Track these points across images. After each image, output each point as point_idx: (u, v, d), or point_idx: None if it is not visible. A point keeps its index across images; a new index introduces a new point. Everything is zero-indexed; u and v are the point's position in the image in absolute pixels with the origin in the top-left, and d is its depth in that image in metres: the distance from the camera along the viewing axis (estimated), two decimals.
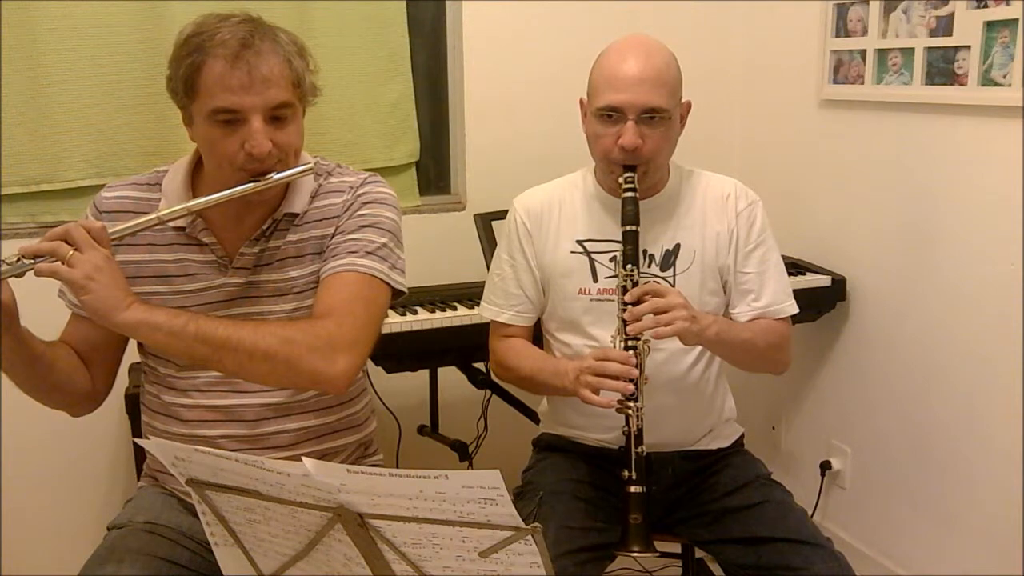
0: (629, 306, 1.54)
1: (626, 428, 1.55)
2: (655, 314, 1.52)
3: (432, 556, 1.03)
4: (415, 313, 2.19)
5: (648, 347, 1.56)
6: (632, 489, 1.53)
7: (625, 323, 1.55)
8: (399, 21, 2.44)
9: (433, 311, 2.20)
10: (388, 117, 2.47)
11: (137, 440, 1.14)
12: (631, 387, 1.51)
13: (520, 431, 1.96)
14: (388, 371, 2.18)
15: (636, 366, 1.52)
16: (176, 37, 1.39)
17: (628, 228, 1.61)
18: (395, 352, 2.12)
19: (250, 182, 1.38)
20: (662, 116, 1.61)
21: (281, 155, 1.38)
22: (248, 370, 1.36)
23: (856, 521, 2.56)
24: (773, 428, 2.85)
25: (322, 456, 1.53)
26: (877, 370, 2.44)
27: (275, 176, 1.39)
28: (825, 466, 2.60)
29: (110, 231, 1.32)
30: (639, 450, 1.54)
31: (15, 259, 1.26)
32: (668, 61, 1.64)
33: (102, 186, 2.18)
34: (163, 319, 1.31)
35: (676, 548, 1.88)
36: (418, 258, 2.40)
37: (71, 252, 1.26)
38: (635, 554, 1.52)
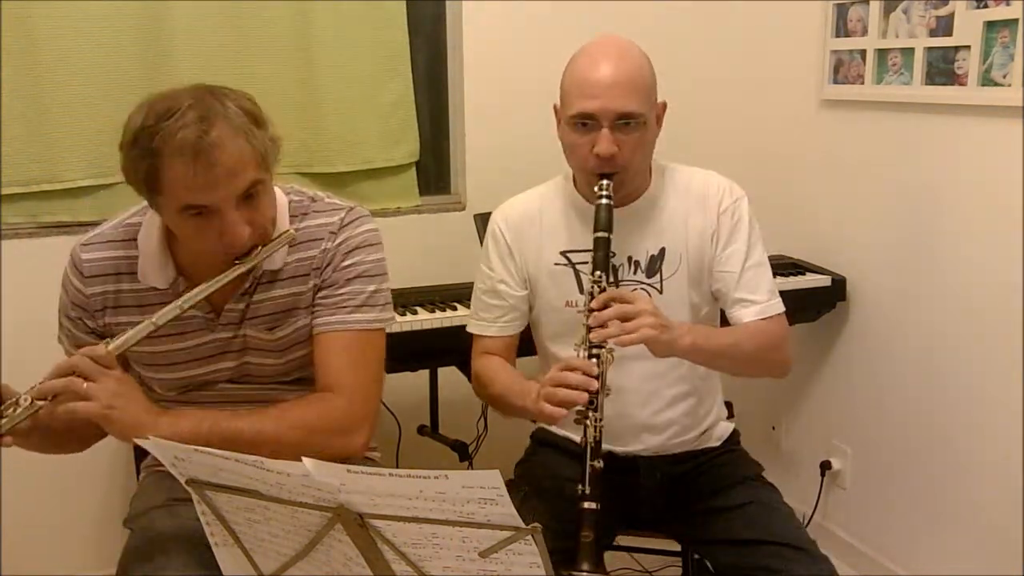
0: (595, 312, 1.49)
1: (583, 439, 1.48)
2: (621, 321, 1.47)
3: (432, 556, 1.03)
4: (415, 313, 2.19)
5: (612, 356, 1.50)
6: (585, 505, 1.45)
7: (589, 330, 1.49)
8: (399, 21, 2.43)
9: (433, 311, 2.20)
10: (388, 117, 2.47)
11: (137, 440, 1.14)
12: (585, 396, 1.44)
13: (520, 431, 1.96)
14: (388, 371, 2.17)
15: (598, 376, 1.45)
16: (125, 123, 1.30)
17: (599, 234, 1.56)
18: (395, 352, 2.11)
19: (235, 263, 1.36)
20: (637, 121, 1.56)
21: (259, 231, 1.35)
22: (276, 459, 1.38)
23: (856, 521, 2.56)
24: (773, 428, 2.85)
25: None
26: (877, 370, 2.44)
27: (259, 253, 1.37)
28: (825, 466, 2.60)
29: (110, 348, 1.31)
30: (595, 463, 1.47)
31: (28, 401, 1.25)
32: (640, 63, 1.59)
33: (102, 186, 2.24)
34: (189, 429, 1.30)
35: (676, 548, 1.89)
36: (418, 258, 2.43)
37: (85, 384, 1.26)
38: (584, 573, 1.43)
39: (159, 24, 2.20)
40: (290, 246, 1.45)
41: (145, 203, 1.44)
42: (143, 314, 1.42)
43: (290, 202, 1.48)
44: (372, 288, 1.47)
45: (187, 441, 1.26)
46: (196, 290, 1.36)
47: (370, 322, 1.46)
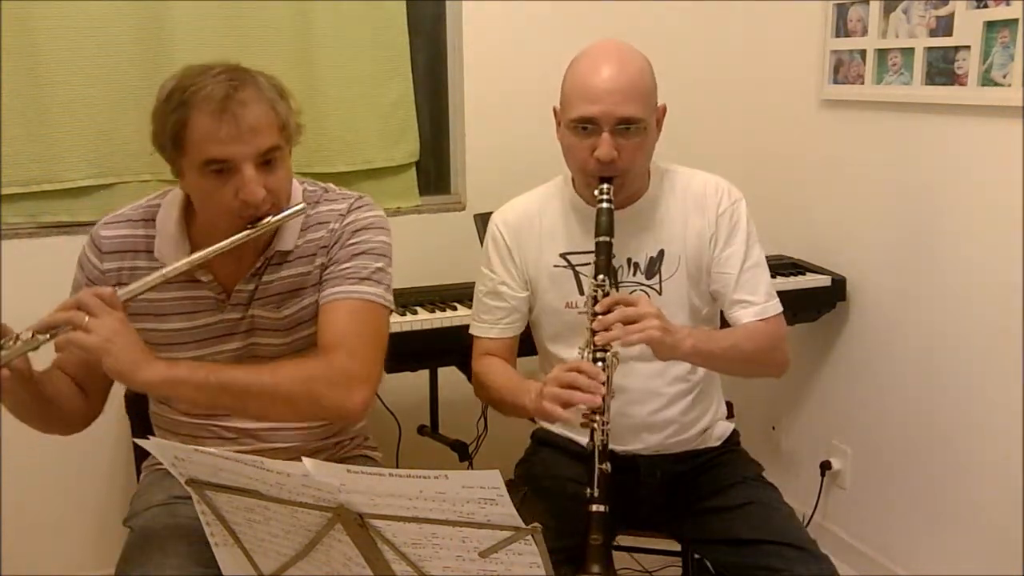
0: (599, 316, 1.49)
1: (591, 443, 1.47)
2: (624, 324, 1.47)
3: (432, 556, 1.03)
4: (415, 313, 2.19)
5: (617, 360, 1.51)
6: (593, 508, 1.43)
7: (594, 333, 1.49)
8: (399, 21, 2.44)
9: (433, 311, 2.20)
10: (388, 117, 2.47)
11: (137, 440, 1.15)
12: (598, 400, 1.44)
13: (520, 430, 1.96)
14: (388, 371, 2.16)
15: (604, 382, 1.45)
16: (158, 92, 1.38)
17: (601, 239, 1.57)
18: (395, 352, 2.11)
19: (247, 228, 1.39)
20: (637, 126, 1.57)
21: (274, 199, 1.40)
22: (271, 413, 1.40)
23: (856, 521, 2.56)
24: (773, 428, 2.85)
25: (315, 451, 1.57)
26: (877, 370, 2.44)
27: (271, 220, 1.40)
28: (825, 466, 2.61)
29: (119, 293, 1.33)
30: (603, 467, 1.46)
31: (30, 335, 1.26)
32: (642, 68, 1.60)
33: (102, 186, 2.24)
34: (185, 373, 1.33)
35: (676, 548, 1.89)
36: (418, 258, 2.43)
37: (86, 318, 1.27)
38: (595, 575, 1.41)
39: (159, 24, 2.20)
40: (302, 229, 1.50)
41: (163, 190, 1.52)
42: (158, 293, 1.46)
43: (304, 190, 1.53)
44: (377, 265, 1.50)
45: (183, 384, 1.32)
46: (207, 250, 1.39)
47: (375, 295, 1.48)
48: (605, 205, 1.58)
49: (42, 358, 1.42)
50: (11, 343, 1.26)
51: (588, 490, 1.46)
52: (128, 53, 2.19)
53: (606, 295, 1.53)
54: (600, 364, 1.48)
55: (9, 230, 2.19)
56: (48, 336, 1.27)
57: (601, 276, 1.55)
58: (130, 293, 1.35)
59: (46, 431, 1.46)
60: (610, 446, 1.59)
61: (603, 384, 1.46)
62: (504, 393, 1.66)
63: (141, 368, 1.29)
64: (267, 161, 1.37)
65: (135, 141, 2.25)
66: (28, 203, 2.20)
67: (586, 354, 1.52)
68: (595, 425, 1.46)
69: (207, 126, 1.32)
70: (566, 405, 1.45)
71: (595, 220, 1.58)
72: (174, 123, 1.34)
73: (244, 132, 1.33)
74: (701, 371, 1.74)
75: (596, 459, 1.46)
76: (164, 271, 1.37)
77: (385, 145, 2.48)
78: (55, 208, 2.23)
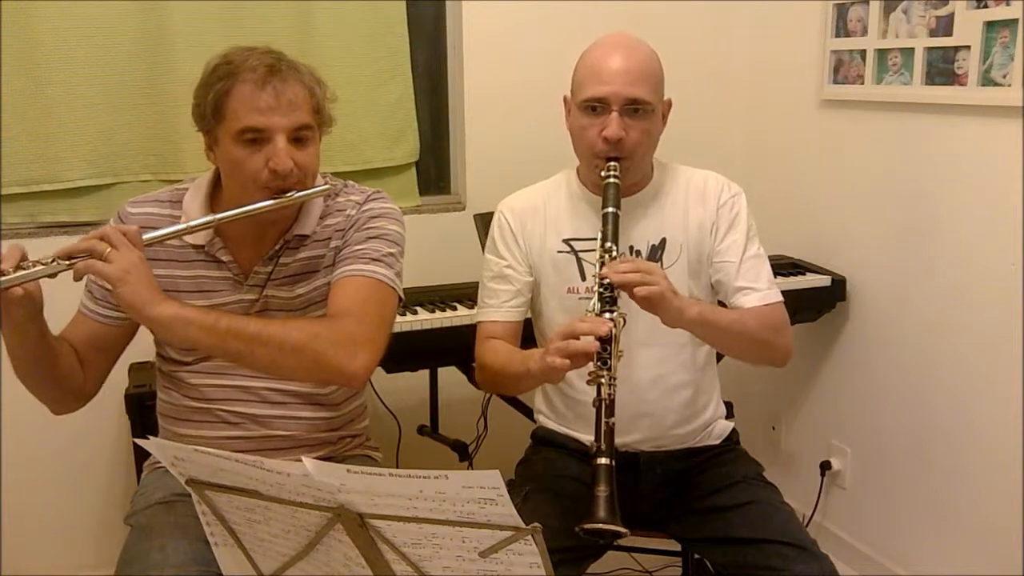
0: (606, 282, 1.49)
1: (596, 398, 1.45)
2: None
3: (432, 556, 1.03)
4: (415, 313, 2.19)
5: (624, 319, 1.50)
6: (600, 461, 1.40)
7: (601, 295, 1.49)
8: (399, 21, 2.44)
9: (433, 311, 2.20)
10: (388, 117, 2.47)
11: (137, 440, 1.15)
12: (604, 328, 1.43)
13: (520, 431, 1.96)
14: (388, 371, 2.18)
15: (610, 340, 1.44)
16: (204, 67, 1.46)
17: (608, 210, 1.58)
18: (395, 352, 2.10)
19: (271, 199, 1.44)
20: (645, 108, 1.62)
21: (301, 175, 1.46)
22: (278, 363, 1.42)
23: (856, 521, 2.56)
24: (773, 428, 2.85)
25: (318, 444, 1.59)
26: (877, 370, 2.44)
27: (295, 195, 1.46)
28: (825, 466, 2.61)
29: (143, 236, 1.37)
30: (609, 421, 1.44)
31: (50, 260, 1.29)
32: (651, 56, 1.66)
33: (102, 186, 2.24)
34: (195, 314, 1.37)
35: (676, 547, 1.89)
36: (418, 258, 2.41)
37: (108, 249, 1.31)
38: (600, 525, 1.34)
39: (159, 24, 2.20)
40: (321, 216, 1.55)
41: (188, 178, 1.59)
42: (178, 270, 1.52)
43: (326, 183, 1.57)
44: (389, 251, 1.55)
45: (192, 324, 1.36)
46: (232, 211, 1.45)
47: (385, 276, 1.52)
48: (612, 181, 1.61)
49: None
50: (30, 266, 1.29)
51: (594, 444, 1.43)
52: (128, 53, 2.20)
53: (613, 259, 1.54)
54: (608, 316, 1.47)
55: (9, 230, 2.19)
56: (68, 263, 1.30)
57: (608, 243, 1.56)
58: (153, 238, 1.40)
59: (39, 391, 1.47)
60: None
61: (607, 340, 1.44)
62: (507, 366, 1.65)
63: (154, 303, 1.33)
64: (299, 139, 1.45)
65: (135, 141, 2.25)
66: (28, 203, 2.21)
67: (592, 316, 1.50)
68: (602, 380, 1.45)
69: (248, 94, 1.40)
70: (572, 355, 1.44)
71: (602, 195, 1.61)
72: (217, 92, 1.41)
73: (282, 104, 1.41)
74: (701, 363, 1.75)
75: (603, 413, 1.45)
76: (190, 223, 1.44)
77: (385, 145, 2.48)
78: (55, 208, 2.23)
